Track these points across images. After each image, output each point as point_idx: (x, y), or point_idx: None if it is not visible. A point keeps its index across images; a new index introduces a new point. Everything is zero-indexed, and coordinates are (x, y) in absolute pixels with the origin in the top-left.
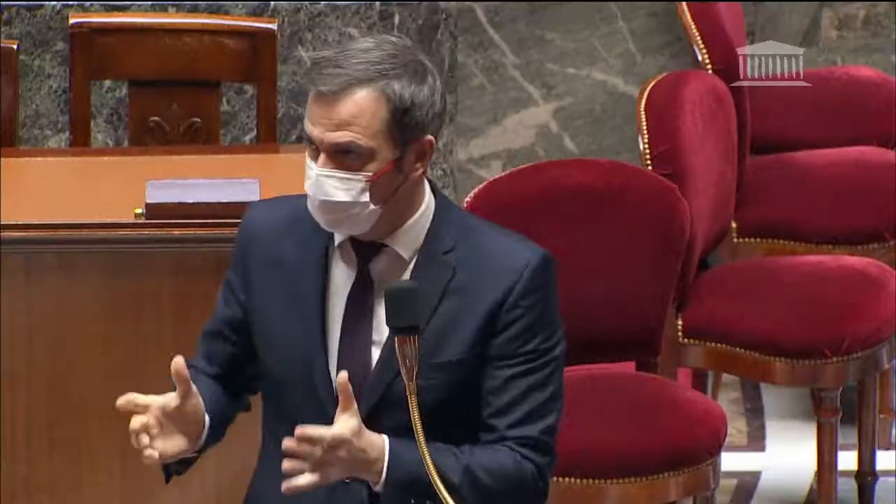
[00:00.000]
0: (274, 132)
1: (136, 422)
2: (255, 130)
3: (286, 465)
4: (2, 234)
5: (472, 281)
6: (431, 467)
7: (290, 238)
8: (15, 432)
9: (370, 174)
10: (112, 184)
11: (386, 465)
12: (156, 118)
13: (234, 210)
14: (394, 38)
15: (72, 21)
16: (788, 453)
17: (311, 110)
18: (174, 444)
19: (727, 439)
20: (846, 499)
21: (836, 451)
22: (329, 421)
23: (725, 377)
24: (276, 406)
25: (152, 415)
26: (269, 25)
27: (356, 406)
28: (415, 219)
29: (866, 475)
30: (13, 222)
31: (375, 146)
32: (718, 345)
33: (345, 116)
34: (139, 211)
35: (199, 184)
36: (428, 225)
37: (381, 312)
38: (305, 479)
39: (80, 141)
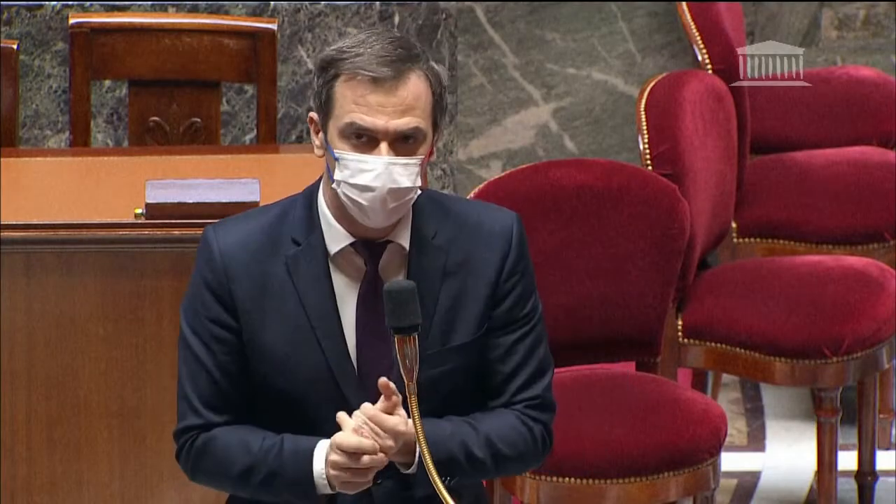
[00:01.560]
0: (274, 132)
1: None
2: (255, 130)
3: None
4: (2, 234)
5: (465, 259)
6: (432, 468)
7: (272, 259)
8: (15, 432)
9: (422, 157)
10: (112, 184)
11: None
12: (156, 118)
13: (233, 210)
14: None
15: (72, 21)
16: (788, 453)
17: (364, 100)
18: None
19: (727, 439)
20: (846, 499)
21: (836, 451)
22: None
23: (725, 377)
24: (290, 417)
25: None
26: (269, 25)
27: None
28: (408, 208)
29: (866, 475)
30: (13, 222)
31: (427, 129)
32: (718, 345)
33: (409, 101)
34: (139, 211)
35: (199, 184)
36: (410, 213)
37: None
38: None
39: (80, 141)
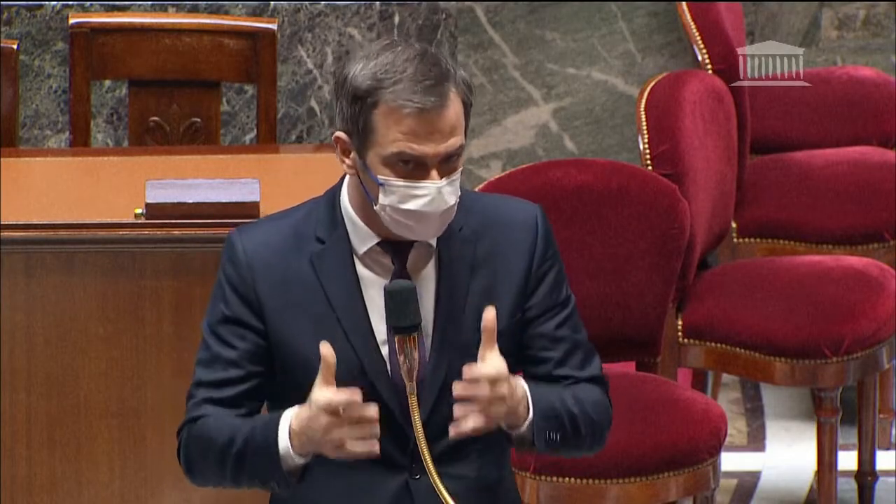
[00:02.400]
0: (274, 132)
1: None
2: (255, 130)
3: (457, 411)
4: (2, 234)
5: (493, 250)
6: (432, 468)
7: (297, 257)
8: (15, 432)
9: (460, 168)
10: (112, 184)
11: (530, 398)
12: (156, 118)
13: (234, 210)
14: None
15: (72, 21)
16: (788, 453)
17: (412, 130)
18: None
19: (727, 439)
20: (846, 499)
21: (836, 451)
22: (397, 422)
23: (725, 377)
24: None
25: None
26: (269, 25)
27: (497, 347)
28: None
29: (866, 475)
30: (13, 222)
31: (464, 140)
32: (718, 345)
33: (453, 122)
34: (139, 211)
35: (199, 184)
36: None
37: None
38: (473, 420)
39: (80, 141)
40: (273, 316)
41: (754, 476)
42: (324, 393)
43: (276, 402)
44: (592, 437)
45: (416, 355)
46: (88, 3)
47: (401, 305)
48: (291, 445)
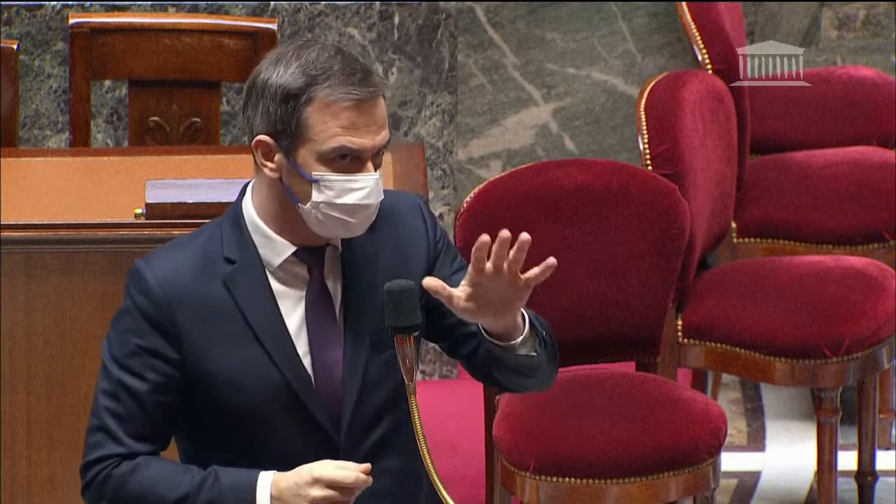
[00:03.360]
0: None
1: None
2: None
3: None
4: (2, 234)
5: (392, 241)
6: (432, 468)
7: (209, 280)
8: (15, 432)
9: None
10: (112, 184)
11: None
12: (156, 118)
13: None
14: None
15: (72, 21)
16: (788, 453)
17: (350, 123)
18: None
19: (727, 439)
20: (846, 499)
21: (836, 451)
22: (324, 430)
23: (725, 377)
24: (249, 436)
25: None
26: (269, 25)
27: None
28: None
29: (866, 475)
30: (13, 222)
31: None
32: (718, 345)
33: (384, 114)
34: (139, 211)
35: (199, 184)
36: None
37: (346, 306)
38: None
39: (80, 141)
40: (190, 344)
41: (754, 476)
42: (344, 471)
43: (188, 428)
44: (553, 362)
45: (415, 355)
46: (88, 3)
47: (400, 305)
48: None
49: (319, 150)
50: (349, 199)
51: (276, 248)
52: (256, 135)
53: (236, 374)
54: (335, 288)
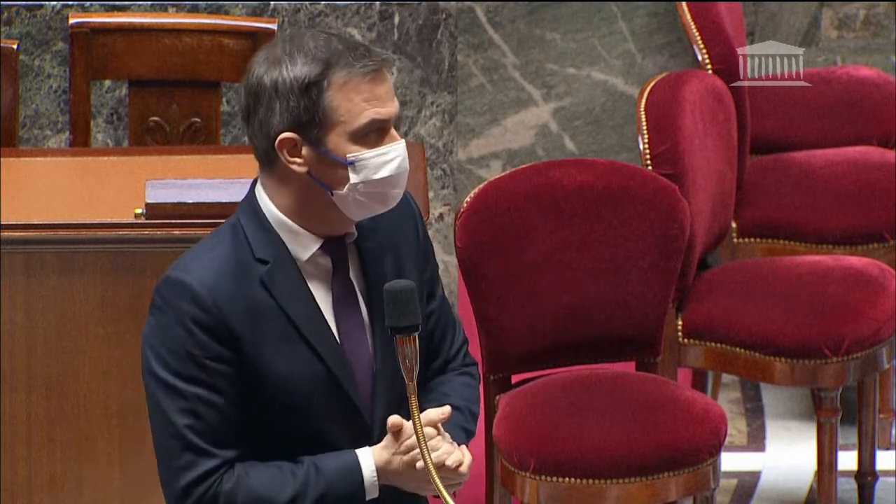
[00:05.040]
0: None
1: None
2: None
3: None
4: (2, 234)
5: (392, 232)
6: (432, 468)
7: (248, 282)
8: (15, 432)
9: None
10: (112, 184)
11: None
12: (156, 118)
13: (233, 210)
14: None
15: (72, 21)
16: (788, 453)
17: (371, 93)
18: None
19: (727, 439)
20: (846, 499)
21: (836, 451)
22: (362, 417)
23: (725, 377)
24: (300, 431)
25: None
26: (269, 25)
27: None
28: None
29: (866, 475)
30: (13, 222)
31: None
32: (718, 345)
33: (391, 84)
34: (139, 211)
35: (199, 184)
36: None
37: (370, 302)
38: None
39: (80, 141)
40: (244, 345)
41: (754, 476)
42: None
43: (252, 430)
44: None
45: (415, 355)
46: (88, 3)
47: (400, 305)
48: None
49: (351, 129)
50: (385, 171)
51: (303, 243)
52: (277, 135)
53: (286, 370)
54: (357, 277)
